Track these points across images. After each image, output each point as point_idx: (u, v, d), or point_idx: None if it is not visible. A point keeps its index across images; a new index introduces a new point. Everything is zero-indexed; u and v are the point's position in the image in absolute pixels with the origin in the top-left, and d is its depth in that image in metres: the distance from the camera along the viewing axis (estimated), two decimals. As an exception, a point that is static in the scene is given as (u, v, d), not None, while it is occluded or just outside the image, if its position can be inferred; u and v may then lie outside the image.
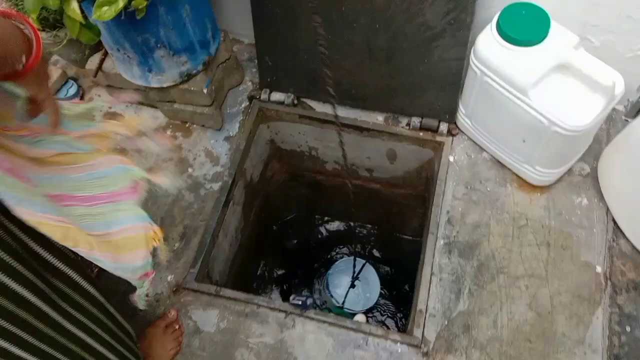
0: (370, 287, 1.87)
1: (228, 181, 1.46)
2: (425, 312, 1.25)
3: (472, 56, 1.26)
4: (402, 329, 1.87)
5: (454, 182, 1.42)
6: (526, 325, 1.22)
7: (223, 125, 1.56)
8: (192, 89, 1.42)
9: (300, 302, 1.24)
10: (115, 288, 1.33)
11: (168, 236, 1.39)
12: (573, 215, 1.35)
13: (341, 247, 2.12)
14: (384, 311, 2.00)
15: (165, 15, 1.22)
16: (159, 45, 1.29)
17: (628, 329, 1.20)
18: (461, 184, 1.42)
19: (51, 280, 0.83)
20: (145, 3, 1.07)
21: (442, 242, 1.34)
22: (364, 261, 1.85)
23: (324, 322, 1.25)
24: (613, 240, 1.31)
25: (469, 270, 1.30)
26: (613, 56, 1.32)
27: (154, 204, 1.44)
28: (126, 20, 1.15)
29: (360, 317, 1.34)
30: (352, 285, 1.66)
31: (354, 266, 1.57)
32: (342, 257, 2.08)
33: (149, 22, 1.21)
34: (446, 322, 1.24)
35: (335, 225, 2.15)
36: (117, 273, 0.90)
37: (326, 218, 2.16)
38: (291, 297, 1.26)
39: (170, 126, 1.58)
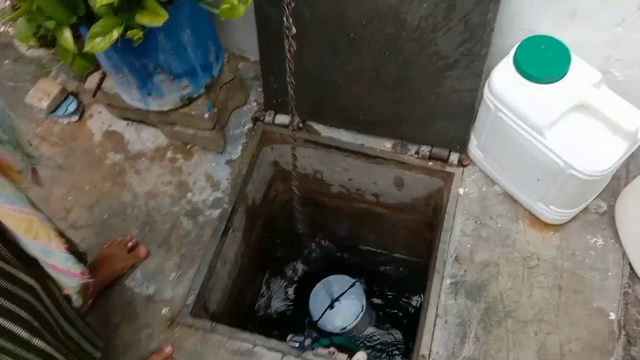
0: (356, 308, 1.83)
1: (228, 208, 1.41)
2: (428, 358, 1.20)
3: (486, 90, 1.20)
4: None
5: (464, 216, 1.36)
6: (534, 375, 1.17)
7: (225, 148, 1.51)
8: (193, 112, 1.37)
9: (297, 344, 1.19)
10: (109, 320, 1.30)
11: (165, 266, 1.35)
12: (587, 256, 1.29)
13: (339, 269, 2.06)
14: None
15: (165, 41, 1.17)
16: (158, 70, 1.24)
17: (642, 384, 1.14)
18: (471, 218, 1.36)
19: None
20: (141, 33, 1.01)
21: (448, 281, 1.28)
22: (353, 280, 1.81)
23: (322, 364, 1.20)
24: (628, 286, 1.25)
25: (475, 313, 1.25)
26: (636, 91, 1.24)
27: (151, 231, 1.40)
28: (124, 46, 1.10)
29: (361, 356, 1.29)
30: (331, 307, 1.63)
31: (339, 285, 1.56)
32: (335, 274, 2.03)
33: (148, 48, 1.16)
34: (450, 369, 1.19)
35: (336, 246, 2.10)
36: (68, 265, 0.92)
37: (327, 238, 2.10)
38: (288, 338, 1.21)
39: (171, 147, 1.53)
